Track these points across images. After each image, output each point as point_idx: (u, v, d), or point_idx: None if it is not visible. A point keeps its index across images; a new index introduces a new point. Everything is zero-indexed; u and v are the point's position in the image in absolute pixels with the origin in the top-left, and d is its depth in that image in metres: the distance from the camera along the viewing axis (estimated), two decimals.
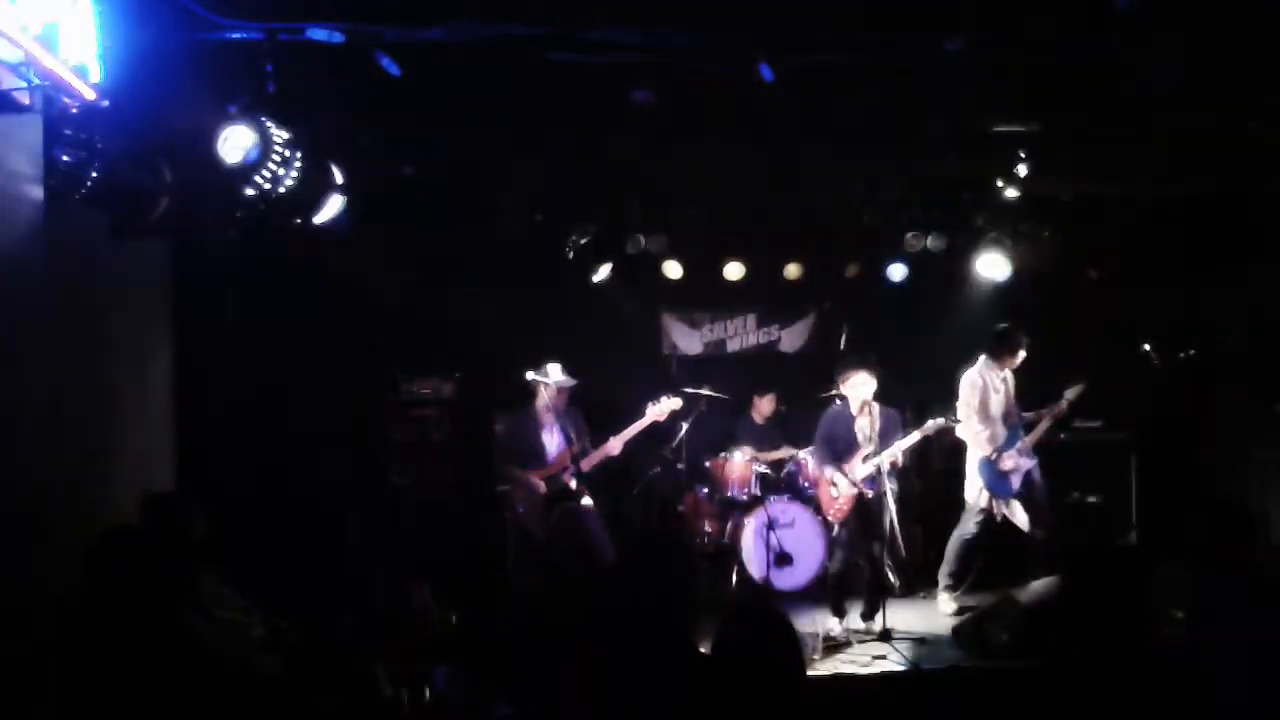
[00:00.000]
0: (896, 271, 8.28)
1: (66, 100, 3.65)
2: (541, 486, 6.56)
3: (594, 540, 6.50)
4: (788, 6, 4.71)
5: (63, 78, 3.47)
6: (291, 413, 6.96)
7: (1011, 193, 6.91)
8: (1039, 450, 7.05)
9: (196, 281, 6.26)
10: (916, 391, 7.78)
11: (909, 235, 7.77)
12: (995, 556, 7.09)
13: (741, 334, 9.21)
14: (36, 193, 3.62)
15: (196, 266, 6.20)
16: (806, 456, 7.67)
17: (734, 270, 8.30)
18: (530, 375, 6.54)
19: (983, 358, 7.02)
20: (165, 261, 6.02)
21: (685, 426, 7.60)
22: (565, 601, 4.06)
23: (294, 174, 4.68)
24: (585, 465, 6.52)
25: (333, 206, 5.39)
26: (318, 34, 4.49)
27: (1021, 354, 6.99)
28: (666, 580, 3.05)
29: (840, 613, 6.59)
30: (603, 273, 7.95)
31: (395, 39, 4.61)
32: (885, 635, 6.32)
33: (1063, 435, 7.71)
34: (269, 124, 4.54)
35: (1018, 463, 6.87)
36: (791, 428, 8.28)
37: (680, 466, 7.89)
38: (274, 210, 4.91)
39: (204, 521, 4.37)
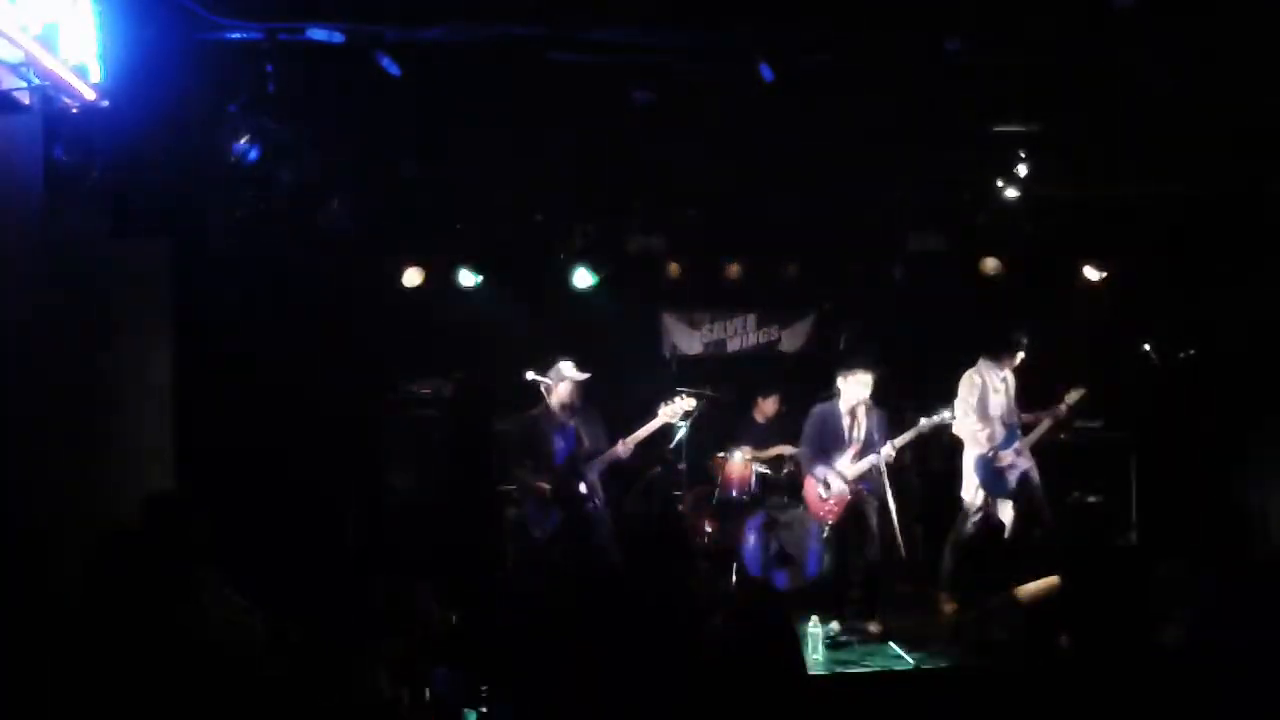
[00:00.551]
0: (896, 271, 8.27)
1: (66, 100, 3.66)
2: (546, 488, 6.54)
3: (596, 542, 6.53)
4: (788, 6, 4.71)
5: (63, 78, 3.48)
6: (291, 413, 6.96)
7: (1011, 193, 6.91)
8: (1038, 451, 7.05)
9: (196, 281, 6.25)
10: (916, 391, 7.78)
11: (909, 235, 7.77)
12: (994, 556, 7.08)
13: (741, 334, 9.20)
14: (36, 193, 3.63)
15: (196, 266, 6.20)
16: None
17: (734, 270, 8.30)
18: (532, 375, 6.53)
19: (982, 358, 7.03)
20: (165, 261, 6.02)
21: (685, 426, 7.59)
22: (565, 601, 4.07)
23: (294, 174, 4.68)
24: (592, 468, 6.51)
25: (332, 206, 5.39)
26: (318, 34, 4.50)
27: (1021, 354, 6.99)
28: (666, 580, 3.05)
29: (839, 613, 6.59)
30: (602, 273, 7.94)
31: (395, 39, 4.62)
32: (885, 635, 6.32)
33: (1063, 435, 7.70)
34: (269, 124, 4.54)
35: (1014, 461, 6.88)
36: (793, 429, 8.26)
37: (680, 466, 7.89)
38: (274, 210, 4.91)
39: (204, 521, 4.37)
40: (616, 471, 7.06)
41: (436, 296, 7.96)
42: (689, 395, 6.91)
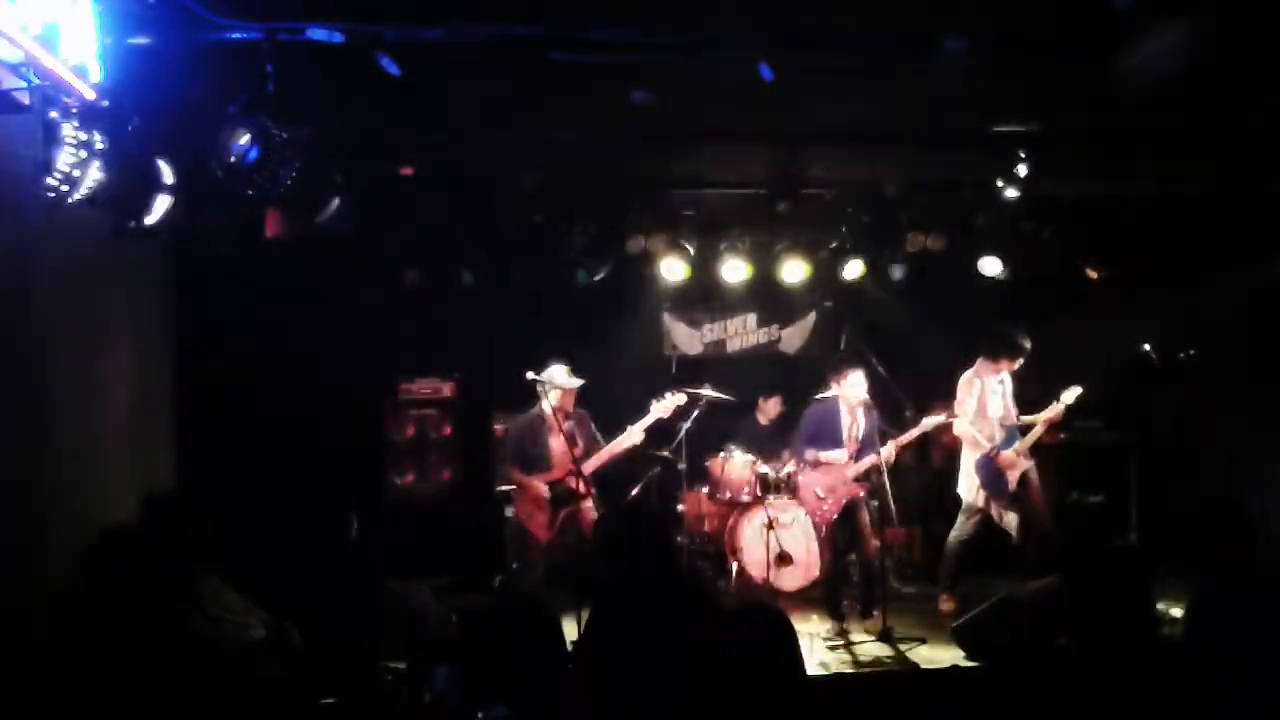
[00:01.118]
0: (896, 271, 8.26)
1: (66, 100, 3.65)
2: (544, 489, 6.54)
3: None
4: (788, 6, 4.71)
5: (63, 78, 3.48)
6: (291, 413, 6.97)
7: (1011, 193, 6.91)
8: (1037, 451, 7.05)
9: (196, 281, 6.26)
10: (916, 391, 7.78)
11: (909, 235, 7.76)
12: (993, 556, 7.09)
13: (741, 334, 9.20)
14: (36, 193, 3.62)
15: (196, 266, 6.20)
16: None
17: (734, 270, 8.29)
18: (531, 375, 6.52)
19: (980, 359, 7.03)
20: (165, 261, 6.02)
21: (685, 426, 7.59)
22: (565, 601, 4.06)
23: (294, 174, 4.68)
24: (588, 469, 6.50)
25: (332, 206, 5.38)
26: (318, 34, 4.49)
27: (1020, 356, 6.99)
28: (665, 580, 3.05)
29: (839, 613, 6.59)
30: (602, 273, 7.93)
31: (395, 39, 4.61)
32: (885, 635, 6.32)
33: (1063, 435, 7.71)
34: (269, 124, 4.54)
35: (1014, 462, 6.88)
36: (795, 429, 8.26)
37: (680, 466, 7.89)
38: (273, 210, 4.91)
39: (204, 522, 4.37)
40: (616, 471, 7.06)
41: (436, 296, 7.96)
42: (681, 392, 6.91)
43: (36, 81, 3.46)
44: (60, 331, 4.27)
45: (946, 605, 6.98)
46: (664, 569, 3.12)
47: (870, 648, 6.20)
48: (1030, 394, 7.17)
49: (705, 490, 7.96)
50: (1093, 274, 8.08)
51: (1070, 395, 7.02)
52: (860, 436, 6.59)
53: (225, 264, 6.33)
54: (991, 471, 6.87)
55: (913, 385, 7.56)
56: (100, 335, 5.10)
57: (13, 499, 3.51)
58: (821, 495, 6.68)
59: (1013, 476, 6.89)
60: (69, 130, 3.78)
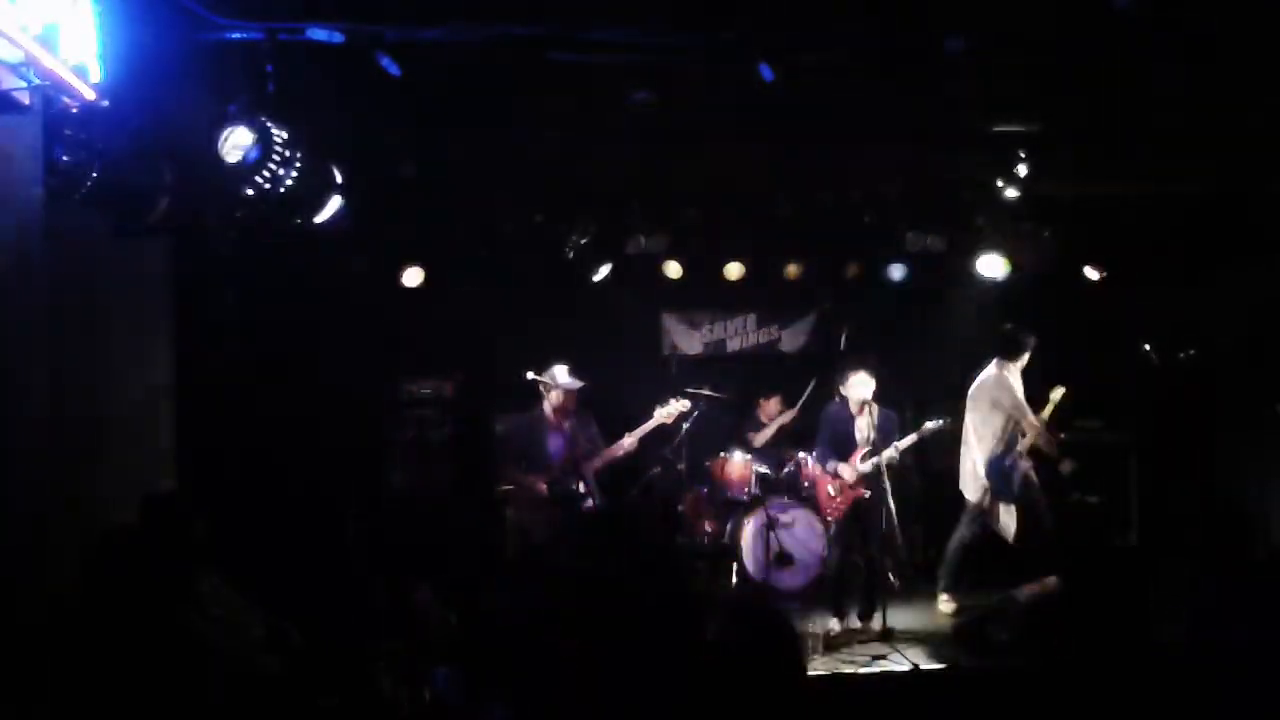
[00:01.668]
0: (896, 271, 8.27)
1: (66, 100, 3.65)
2: (543, 489, 6.54)
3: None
4: (787, 6, 4.71)
5: (63, 78, 3.47)
6: (291, 413, 6.96)
7: (1011, 193, 6.91)
8: (1036, 451, 7.05)
9: (196, 281, 6.25)
10: (916, 391, 7.78)
11: (909, 235, 7.76)
12: (994, 557, 7.09)
13: (741, 334, 9.20)
14: (36, 193, 3.62)
15: (196, 266, 6.19)
16: (806, 457, 7.66)
17: (734, 270, 8.30)
18: (532, 376, 6.52)
19: (996, 359, 7.02)
20: (165, 261, 6.01)
21: (685, 426, 7.60)
22: (566, 602, 4.06)
23: (294, 174, 4.68)
24: (589, 469, 6.50)
25: (332, 206, 5.38)
26: (318, 34, 4.50)
27: (1027, 356, 7.00)
28: (665, 582, 3.05)
29: (839, 613, 6.59)
30: (602, 273, 7.94)
31: (395, 39, 4.62)
32: (885, 635, 6.32)
33: (1062, 435, 7.70)
34: (269, 124, 4.54)
35: (1016, 462, 6.88)
36: (795, 430, 8.27)
37: (680, 466, 7.88)
38: (274, 210, 4.90)
39: (204, 521, 4.37)
40: (616, 471, 7.06)
41: (436, 296, 7.96)
42: (685, 397, 6.91)
43: (36, 81, 3.46)
44: (60, 331, 4.26)
45: (947, 605, 6.98)
46: (657, 569, 3.11)
47: (870, 648, 6.20)
48: (1030, 394, 7.17)
49: (705, 490, 7.96)
50: (1093, 274, 8.09)
51: (1056, 395, 7.01)
52: (871, 437, 6.58)
53: (225, 264, 6.32)
54: (1001, 472, 6.87)
55: (913, 386, 7.58)
56: (100, 335, 5.10)
57: (13, 499, 3.51)
58: (833, 494, 6.69)
59: (1016, 477, 6.89)
60: (69, 130, 3.79)
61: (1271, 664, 3.25)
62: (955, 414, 7.01)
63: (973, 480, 7.02)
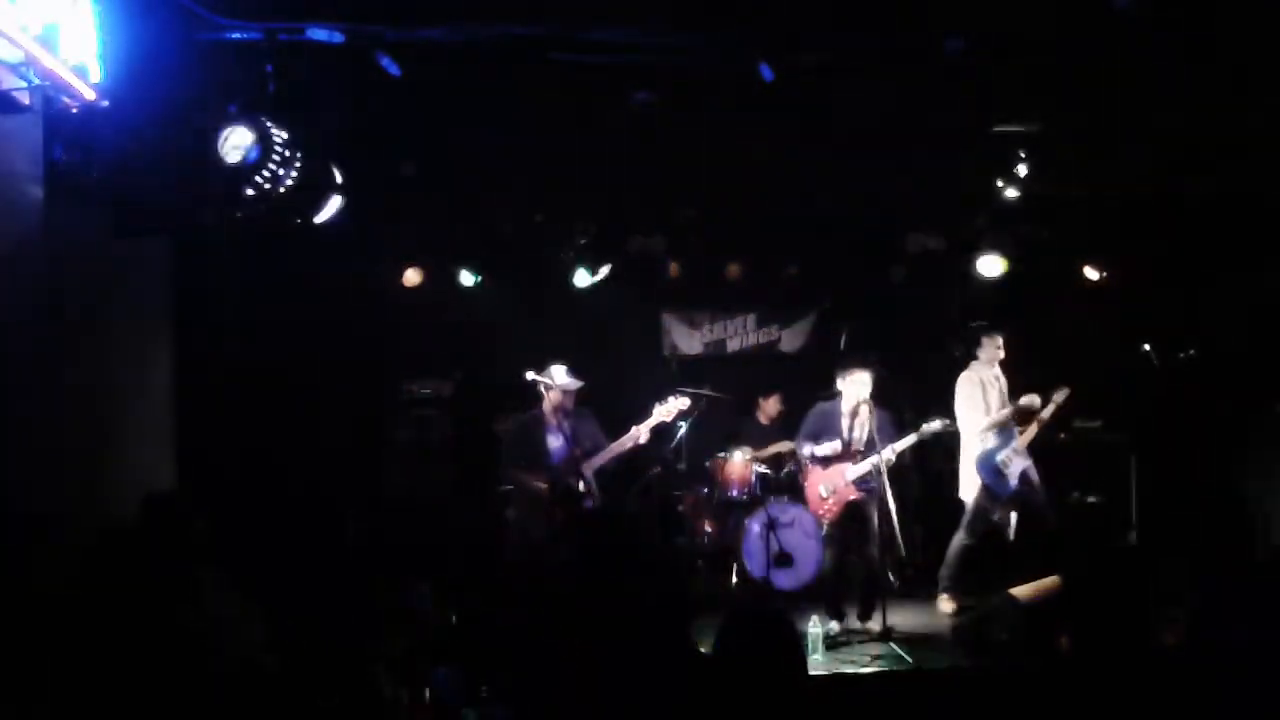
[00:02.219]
0: (896, 272, 8.27)
1: (66, 100, 3.66)
2: (544, 488, 6.53)
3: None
4: (787, 6, 4.71)
5: (63, 78, 3.48)
6: (291, 413, 6.96)
7: (1011, 193, 6.91)
8: (1036, 451, 7.05)
9: (196, 281, 6.25)
10: (916, 392, 7.77)
11: (909, 235, 7.77)
12: (994, 557, 7.09)
13: (741, 334, 9.21)
14: (36, 193, 3.63)
15: (196, 266, 6.20)
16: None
17: (734, 270, 8.30)
18: (531, 375, 6.52)
19: (973, 360, 7.06)
20: (165, 261, 6.02)
21: (685, 426, 7.60)
22: (566, 602, 4.05)
23: (294, 174, 4.68)
24: (589, 468, 6.50)
25: (332, 206, 5.38)
26: (318, 34, 4.50)
27: (999, 349, 7.02)
28: (665, 582, 3.04)
29: (839, 613, 6.59)
30: (602, 273, 7.94)
31: (395, 39, 4.62)
32: (885, 635, 6.32)
33: (1062, 435, 7.70)
34: (269, 124, 4.54)
35: (1013, 461, 6.89)
36: (796, 428, 8.26)
37: (680, 466, 7.88)
38: (274, 210, 4.90)
39: (204, 521, 4.37)
40: (616, 471, 7.05)
41: (436, 296, 7.96)
42: (684, 395, 6.90)
43: (36, 81, 3.46)
44: (60, 331, 4.27)
45: (947, 605, 6.98)
46: (656, 570, 3.11)
47: (870, 648, 6.20)
48: (1031, 393, 7.17)
49: (705, 490, 7.95)
50: (1093, 274, 8.09)
51: (1060, 395, 7.02)
52: (863, 437, 6.57)
53: (225, 264, 6.33)
54: (994, 470, 6.87)
55: (912, 386, 7.58)
56: (100, 335, 5.10)
57: (13, 499, 3.51)
58: (824, 495, 6.68)
59: (1013, 475, 6.89)
60: (69, 130, 3.79)
61: (1271, 664, 3.25)
62: (954, 415, 7.02)
63: (970, 479, 7.02)
